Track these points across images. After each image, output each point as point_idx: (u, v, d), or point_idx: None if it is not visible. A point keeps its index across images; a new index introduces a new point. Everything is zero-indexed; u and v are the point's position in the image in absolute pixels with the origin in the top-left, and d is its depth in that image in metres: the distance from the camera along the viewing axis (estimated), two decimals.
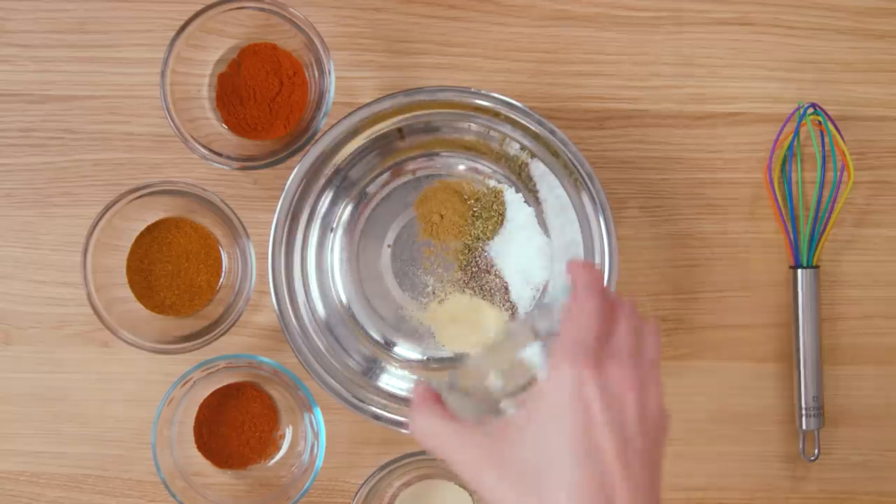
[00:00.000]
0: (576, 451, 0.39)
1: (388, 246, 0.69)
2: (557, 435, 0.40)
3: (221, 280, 0.68)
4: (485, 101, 0.63)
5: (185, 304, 0.68)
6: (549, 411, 0.40)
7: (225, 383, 0.68)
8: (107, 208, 0.64)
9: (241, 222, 0.65)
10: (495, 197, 0.68)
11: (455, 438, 0.43)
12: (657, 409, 0.43)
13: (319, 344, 0.65)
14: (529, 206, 0.68)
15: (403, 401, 0.65)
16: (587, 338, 0.42)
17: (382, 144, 0.67)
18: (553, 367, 0.41)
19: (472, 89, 0.63)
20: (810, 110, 0.67)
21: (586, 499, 0.38)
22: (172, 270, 0.68)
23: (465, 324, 0.68)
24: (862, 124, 0.70)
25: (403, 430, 0.63)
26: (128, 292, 0.68)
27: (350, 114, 0.63)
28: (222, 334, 0.65)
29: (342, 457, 0.69)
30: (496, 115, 0.64)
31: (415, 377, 0.68)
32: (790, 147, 0.68)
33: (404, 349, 0.69)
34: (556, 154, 0.64)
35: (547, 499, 0.39)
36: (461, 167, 0.69)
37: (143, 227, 0.68)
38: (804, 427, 0.68)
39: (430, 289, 0.68)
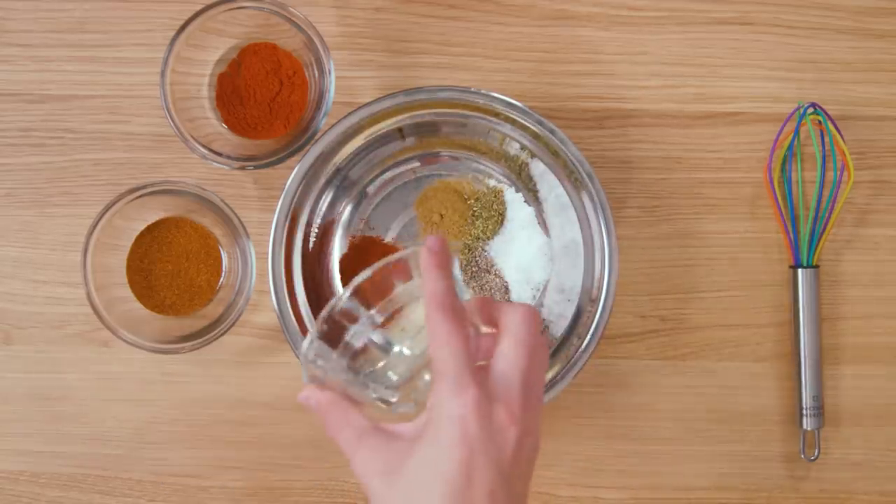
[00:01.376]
0: (449, 482, 0.39)
1: None
2: (438, 462, 0.40)
3: (221, 280, 0.68)
4: (485, 100, 0.63)
5: (186, 303, 0.68)
6: (434, 438, 0.41)
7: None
8: (107, 208, 0.64)
9: (240, 222, 0.65)
10: (495, 197, 0.68)
11: (353, 432, 0.44)
12: (533, 446, 0.43)
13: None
14: (529, 205, 0.68)
15: None
16: (465, 363, 0.41)
17: (382, 144, 0.67)
18: (439, 391, 0.41)
19: (472, 89, 0.63)
20: (810, 110, 0.67)
21: None
22: (172, 270, 0.68)
23: None
24: (862, 124, 0.70)
25: None
26: (128, 292, 0.68)
27: (350, 114, 0.63)
28: (222, 333, 0.65)
29: (342, 457, 0.69)
30: (496, 114, 0.64)
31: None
32: (790, 147, 0.68)
33: (404, 349, 0.68)
34: (555, 154, 0.64)
35: None
36: (461, 167, 0.69)
37: (143, 226, 0.68)
38: (804, 427, 0.68)
39: None
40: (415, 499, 0.40)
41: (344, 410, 0.45)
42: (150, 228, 0.68)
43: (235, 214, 0.65)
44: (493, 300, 0.47)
